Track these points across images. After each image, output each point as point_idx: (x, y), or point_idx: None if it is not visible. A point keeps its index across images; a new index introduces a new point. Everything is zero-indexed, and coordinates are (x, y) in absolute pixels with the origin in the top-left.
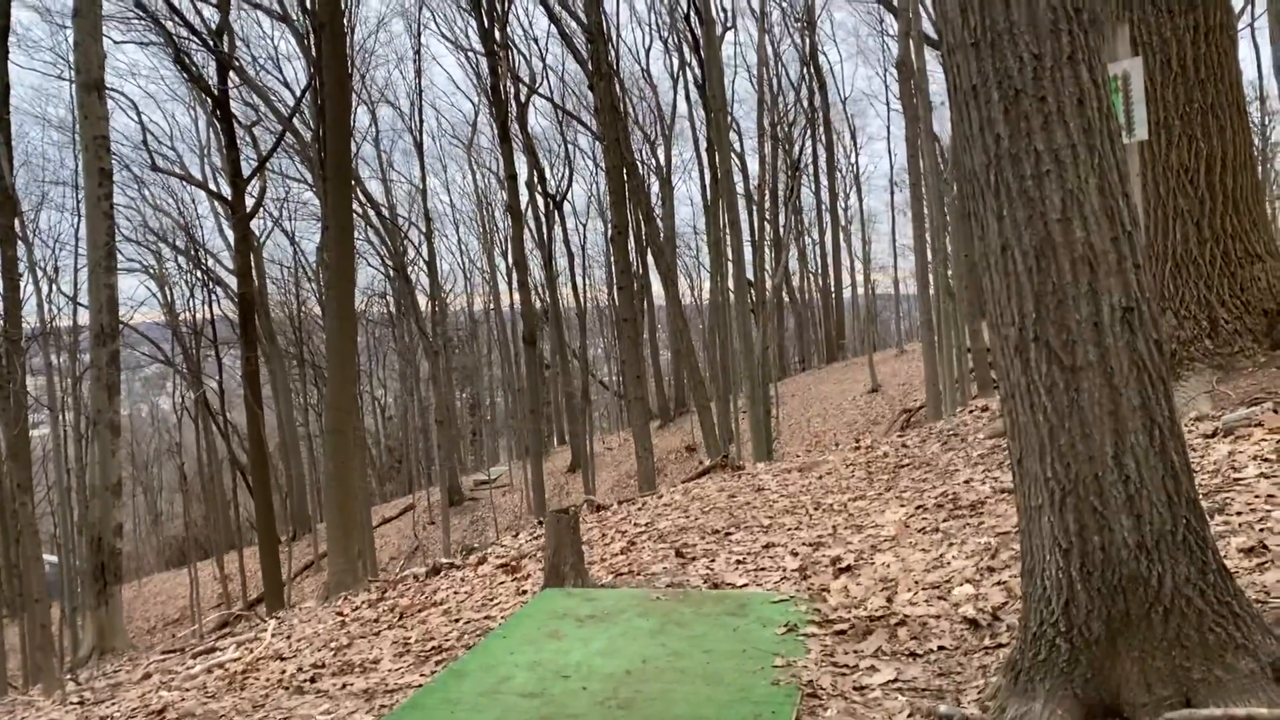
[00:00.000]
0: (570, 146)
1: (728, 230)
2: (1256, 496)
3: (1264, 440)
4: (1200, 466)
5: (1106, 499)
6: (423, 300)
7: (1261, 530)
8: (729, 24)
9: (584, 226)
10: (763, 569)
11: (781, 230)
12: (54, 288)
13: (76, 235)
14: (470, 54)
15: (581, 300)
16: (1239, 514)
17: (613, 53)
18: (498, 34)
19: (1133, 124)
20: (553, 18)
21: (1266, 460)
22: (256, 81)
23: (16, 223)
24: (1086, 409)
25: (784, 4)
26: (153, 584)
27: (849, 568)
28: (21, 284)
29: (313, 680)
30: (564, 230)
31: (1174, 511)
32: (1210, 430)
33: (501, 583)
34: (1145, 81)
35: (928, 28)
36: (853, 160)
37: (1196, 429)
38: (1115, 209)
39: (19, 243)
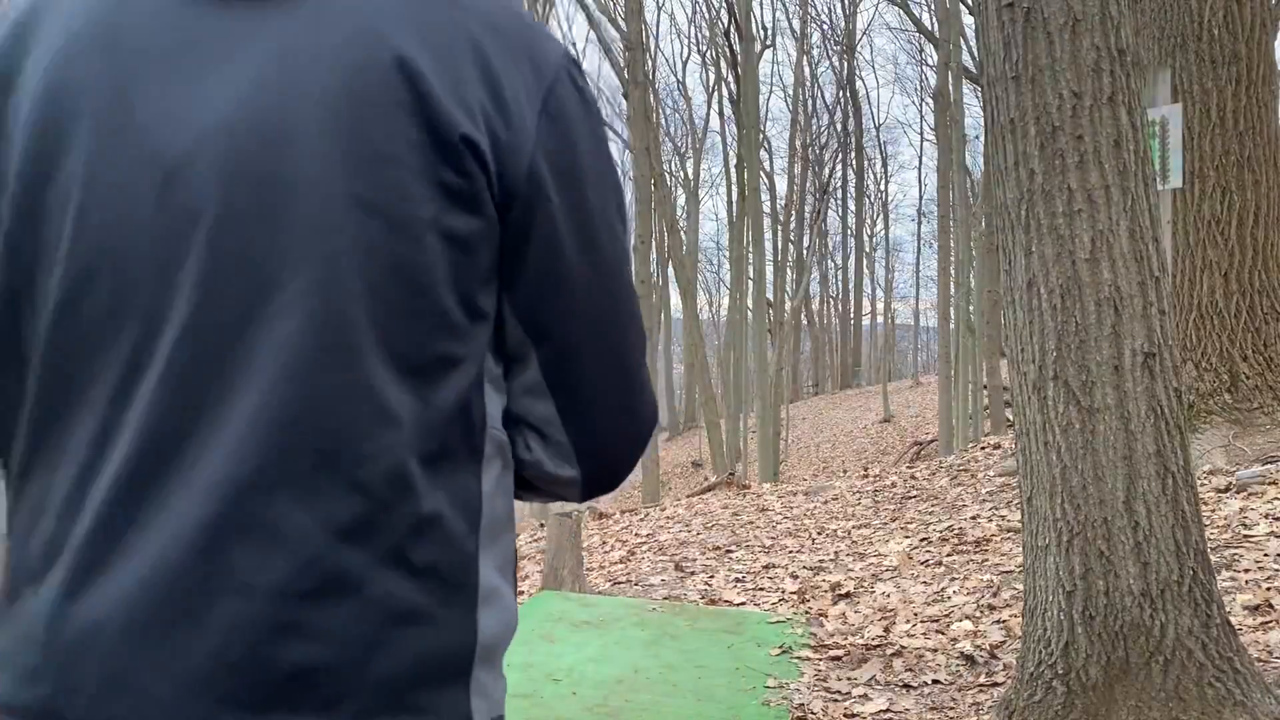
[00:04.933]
0: None
1: (751, 248)
2: (1266, 555)
3: (1277, 499)
4: (1211, 520)
5: (1114, 544)
6: None
7: (1269, 589)
8: (768, 42)
9: None
10: (761, 589)
11: (805, 252)
12: None
13: None
14: None
15: None
16: (1247, 571)
17: (650, 63)
18: None
19: (1168, 171)
20: (593, 24)
21: (1278, 519)
22: None
23: None
24: (1100, 451)
25: (824, 26)
26: None
27: (848, 594)
28: None
29: None
30: None
31: (1181, 562)
32: (1223, 485)
33: None
34: (1183, 129)
35: (967, 61)
36: (882, 187)
37: (1209, 483)
38: (1144, 253)
39: None
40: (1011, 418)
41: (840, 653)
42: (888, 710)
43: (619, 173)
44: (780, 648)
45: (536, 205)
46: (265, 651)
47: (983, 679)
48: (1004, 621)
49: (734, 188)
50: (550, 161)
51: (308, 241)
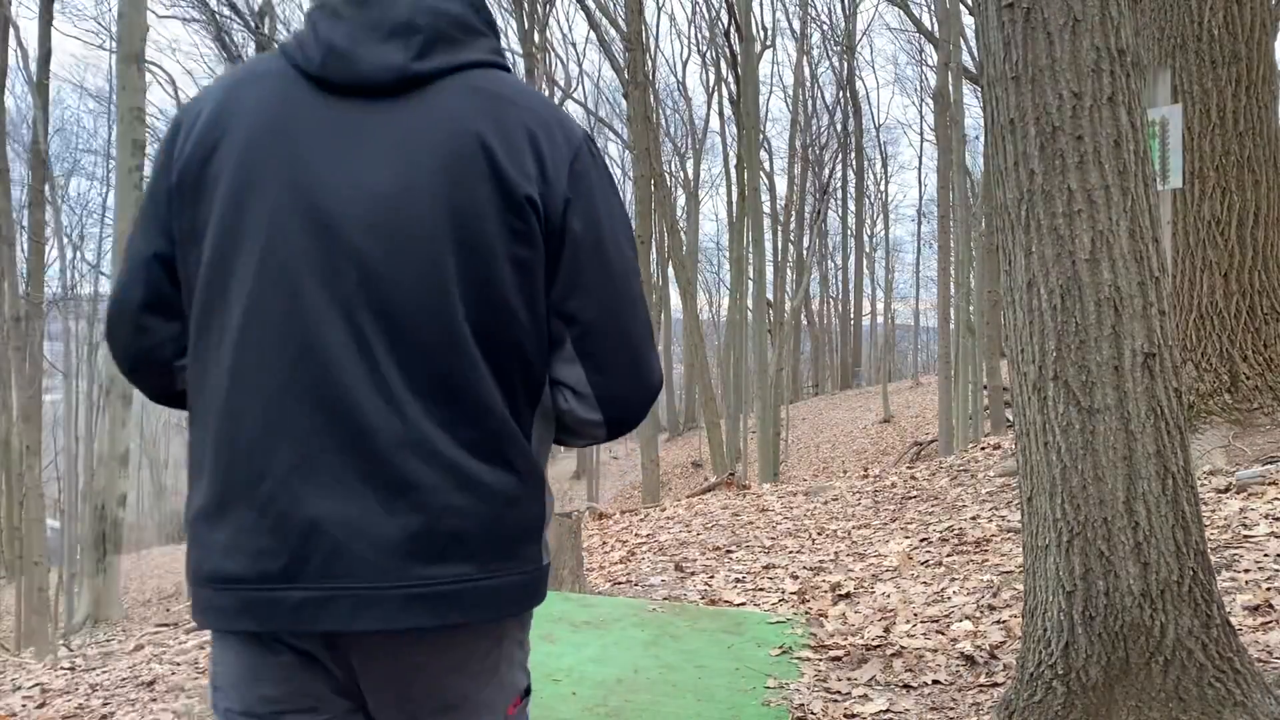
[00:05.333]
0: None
1: (751, 248)
2: (1266, 555)
3: (1277, 499)
4: (1211, 521)
5: (1114, 544)
6: None
7: (1269, 589)
8: (768, 42)
9: None
10: (761, 589)
11: (805, 252)
12: (78, 254)
13: (104, 204)
14: (508, 54)
15: None
16: (1247, 571)
17: (650, 63)
18: (537, 36)
19: (1168, 171)
20: (593, 24)
21: (1278, 519)
22: None
23: (47, 188)
24: (1101, 452)
25: (824, 27)
26: (152, 557)
27: (849, 595)
28: (46, 248)
29: None
30: None
31: (1181, 562)
32: (1223, 485)
33: None
34: (1183, 130)
35: (967, 61)
36: (882, 187)
37: (1209, 483)
38: (1144, 253)
39: (47, 207)
40: (1011, 418)
41: (840, 653)
42: (888, 710)
43: (625, 208)
44: (780, 648)
45: (565, 233)
46: (432, 525)
47: (983, 679)
48: (1004, 621)
49: (734, 188)
50: (574, 204)
51: (425, 267)
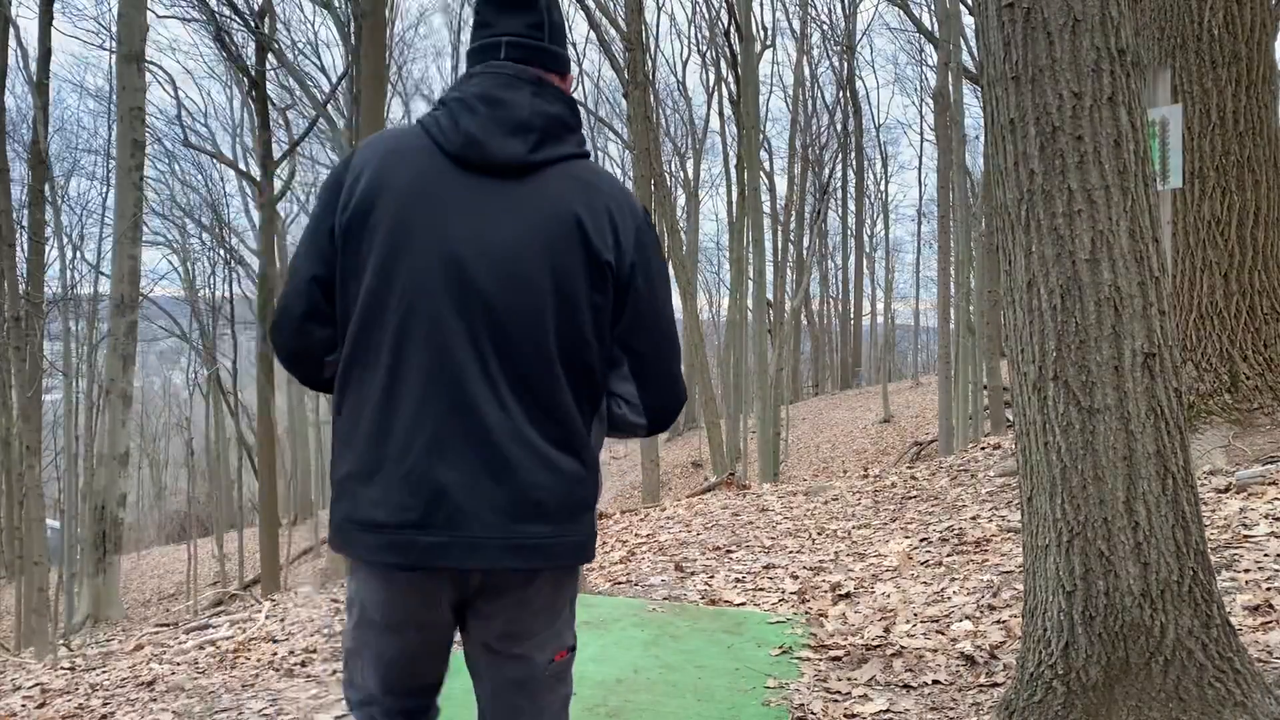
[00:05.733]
0: (600, 153)
1: (751, 248)
2: (1266, 555)
3: (1277, 499)
4: (1211, 521)
5: (1114, 544)
6: None
7: (1269, 589)
8: (768, 42)
9: None
10: (761, 589)
11: (805, 252)
12: (78, 254)
13: (104, 204)
14: None
15: None
16: (1247, 571)
17: (650, 63)
18: None
19: (1168, 171)
20: (593, 24)
21: (1278, 519)
22: (294, 65)
23: (47, 187)
24: (1101, 452)
25: (824, 27)
26: (151, 557)
27: (848, 595)
28: (46, 248)
29: (304, 664)
30: None
31: (1181, 562)
32: (1223, 485)
33: None
34: (1183, 130)
35: (967, 61)
36: (882, 187)
37: (1209, 483)
38: (1144, 253)
39: (47, 207)
40: (1011, 418)
41: (840, 653)
42: (888, 710)
43: (667, 268)
44: (780, 648)
45: (631, 285)
46: (525, 495)
47: (983, 679)
48: (1004, 622)
49: (734, 188)
50: (638, 264)
51: (530, 309)
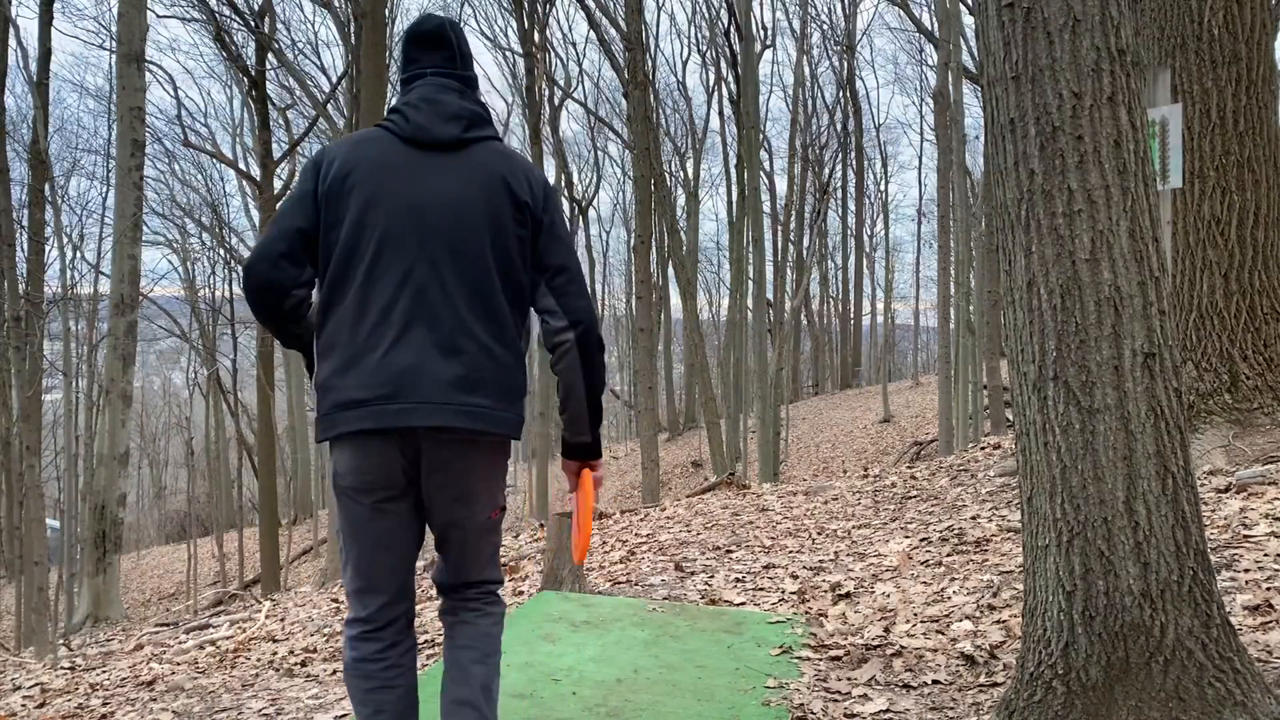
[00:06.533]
0: (600, 153)
1: (751, 248)
2: (1266, 555)
3: (1277, 499)
4: (1211, 521)
5: (1114, 544)
6: None
7: (1268, 589)
8: (768, 42)
9: (607, 234)
10: (761, 589)
11: (805, 252)
12: (78, 254)
13: (104, 204)
14: (508, 54)
15: (600, 307)
16: (1247, 571)
17: (650, 63)
18: (537, 36)
19: (1168, 171)
20: (593, 24)
21: (1278, 519)
22: (294, 65)
23: (47, 187)
24: (1100, 452)
25: (824, 26)
26: (151, 557)
27: (848, 594)
28: (46, 248)
29: (303, 664)
30: (587, 236)
31: (1181, 562)
32: (1223, 485)
33: None
34: (1183, 130)
35: (967, 60)
36: (882, 187)
37: (1209, 483)
38: (1144, 253)
39: (47, 207)
40: (1011, 418)
41: (840, 653)
42: (888, 710)
43: (562, 200)
44: (780, 648)
45: (544, 220)
46: (469, 373)
47: (983, 679)
48: (1004, 622)
49: (734, 188)
50: (547, 206)
51: (473, 239)
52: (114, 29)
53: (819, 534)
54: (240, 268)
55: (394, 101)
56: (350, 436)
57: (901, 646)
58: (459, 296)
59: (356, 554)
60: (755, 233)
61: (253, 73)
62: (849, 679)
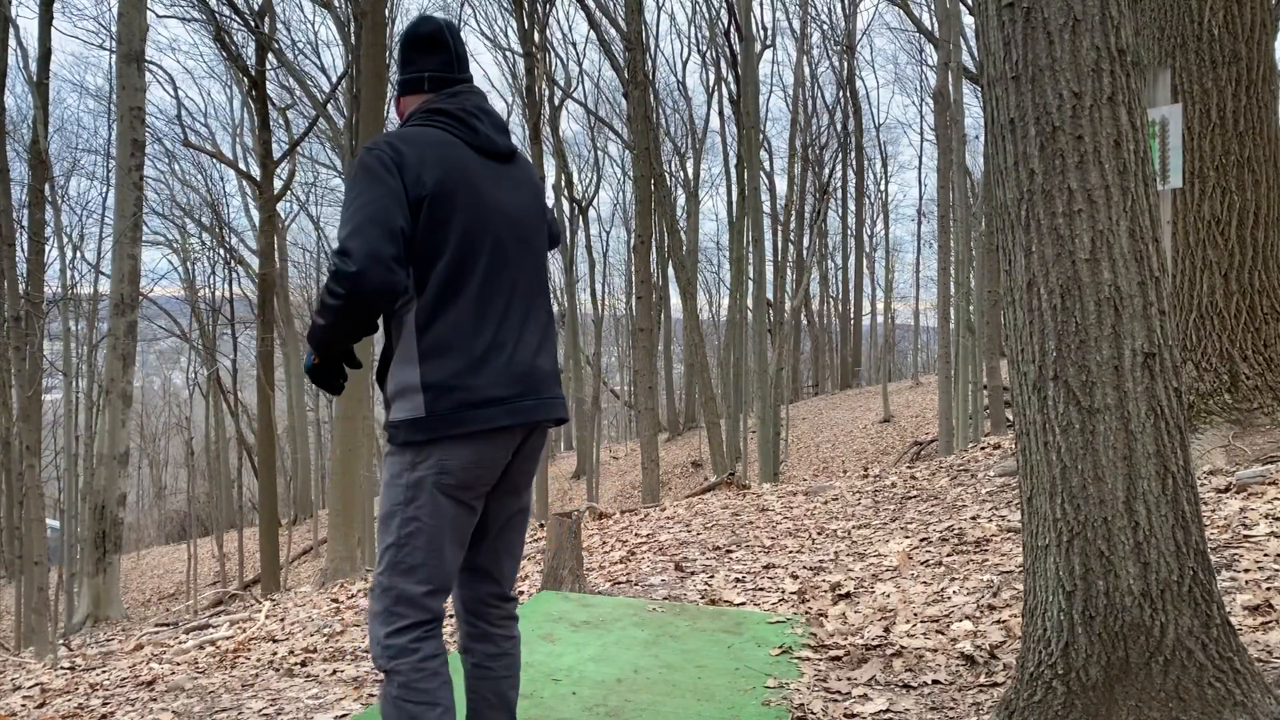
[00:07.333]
0: (600, 153)
1: (751, 248)
2: (1266, 555)
3: (1277, 499)
4: (1211, 521)
5: (1114, 544)
6: None
7: (1269, 589)
8: (768, 42)
9: (607, 234)
10: (761, 589)
11: (805, 252)
12: (78, 254)
13: (104, 204)
14: (508, 54)
15: (599, 307)
16: (1247, 571)
17: (650, 62)
18: (537, 36)
19: (1168, 171)
20: (593, 24)
21: (1278, 519)
22: (294, 65)
23: (47, 187)
24: (1101, 452)
25: (824, 26)
26: (151, 556)
27: (848, 594)
28: (46, 248)
29: (303, 664)
30: (587, 236)
31: (1181, 562)
32: (1223, 485)
33: None
34: (1183, 130)
35: (967, 60)
36: (882, 187)
37: (1209, 483)
38: (1144, 253)
39: (47, 207)
40: (1011, 418)
41: (840, 653)
42: (888, 710)
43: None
44: (780, 648)
45: (553, 228)
46: (555, 369)
47: (983, 679)
48: (1004, 622)
49: (734, 188)
50: (552, 214)
51: (539, 245)
52: (114, 29)
53: (819, 534)
54: (340, 269)
55: (432, 103)
56: (483, 433)
57: (901, 646)
58: (541, 298)
59: (435, 555)
60: (755, 233)
61: (253, 73)
62: (849, 679)
